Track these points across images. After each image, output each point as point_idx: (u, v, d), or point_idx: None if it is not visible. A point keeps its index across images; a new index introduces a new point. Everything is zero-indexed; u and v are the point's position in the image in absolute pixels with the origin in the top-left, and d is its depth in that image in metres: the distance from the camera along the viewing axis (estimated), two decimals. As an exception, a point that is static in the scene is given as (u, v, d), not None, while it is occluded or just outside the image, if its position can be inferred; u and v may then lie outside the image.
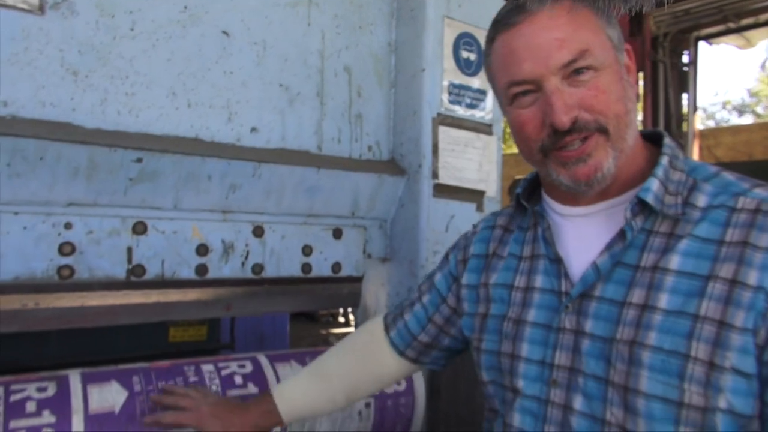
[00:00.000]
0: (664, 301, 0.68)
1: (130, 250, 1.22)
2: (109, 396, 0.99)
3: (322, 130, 1.49)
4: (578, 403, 0.72)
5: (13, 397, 0.93)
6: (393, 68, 1.60)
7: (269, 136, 1.41)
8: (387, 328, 1.05)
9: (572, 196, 0.79)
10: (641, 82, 5.92)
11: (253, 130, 1.39)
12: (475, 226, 1.00)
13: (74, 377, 1.00)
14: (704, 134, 8.68)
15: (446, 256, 1.01)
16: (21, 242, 1.10)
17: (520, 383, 0.79)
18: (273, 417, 1.00)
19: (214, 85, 1.33)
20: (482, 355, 0.86)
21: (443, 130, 1.53)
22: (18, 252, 1.09)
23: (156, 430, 0.99)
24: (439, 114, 1.52)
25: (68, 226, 1.15)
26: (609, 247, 0.74)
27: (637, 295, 0.70)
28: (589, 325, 0.73)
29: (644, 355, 0.67)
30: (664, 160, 0.75)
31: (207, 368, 1.12)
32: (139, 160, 1.20)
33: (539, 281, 0.81)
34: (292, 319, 3.89)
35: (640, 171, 0.77)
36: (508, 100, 0.77)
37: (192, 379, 1.08)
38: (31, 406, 0.93)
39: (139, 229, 1.22)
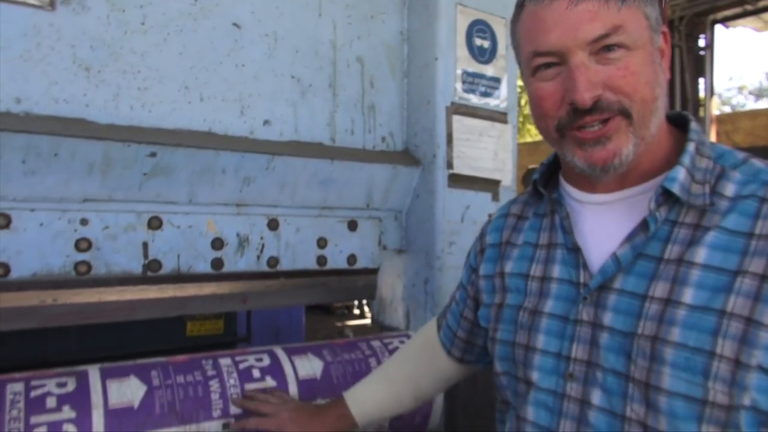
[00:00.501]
0: (689, 296, 0.65)
1: (146, 245, 1.22)
2: (128, 391, 1.00)
3: (335, 121, 1.48)
4: (596, 398, 0.70)
5: (34, 393, 0.93)
6: (406, 57, 1.58)
7: (282, 128, 1.40)
8: (438, 328, 1.06)
9: (591, 183, 0.76)
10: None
11: (266, 122, 1.38)
12: (490, 217, 0.98)
13: (93, 372, 1.00)
14: (722, 119, 8.53)
15: (469, 252, 1.01)
16: (38, 239, 1.10)
17: (535, 375, 0.77)
18: (348, 420, 1.03)
19: (226, 78, 1.32)
20: (496, 345, 0.84)
21: (457, 120, 1.51)
22: (35, 248, 1.10)
23: (179, 423, 1.00)
24: (453, 103, 1.50)
25: (84, 222, 1.15)
26: (630, 238, 0.71)
27: (660, 289, 0.67)
28: (608, 319, 0.70)
29: (667, 351, 0.65)
30: (691, 147, 0.71)
31: (224, 362, 1.12)
32: (153, 155, 1.20)
33: (557, 271, 0.78)
34: (307, 312, 3.90)
35: (665, 157, 0.73)
36: (530, 70, 0.73)
37: (210, 373, 1.08)
38: (51, 402, 0.93)
39: (155, 224, 1.22)
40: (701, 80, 6.30)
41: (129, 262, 1.19)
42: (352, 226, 1.48)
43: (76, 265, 1.13)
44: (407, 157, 1.55)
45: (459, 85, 1.51)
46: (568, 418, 0.72)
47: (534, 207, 0.87)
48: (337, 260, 1.46)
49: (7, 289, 1.10)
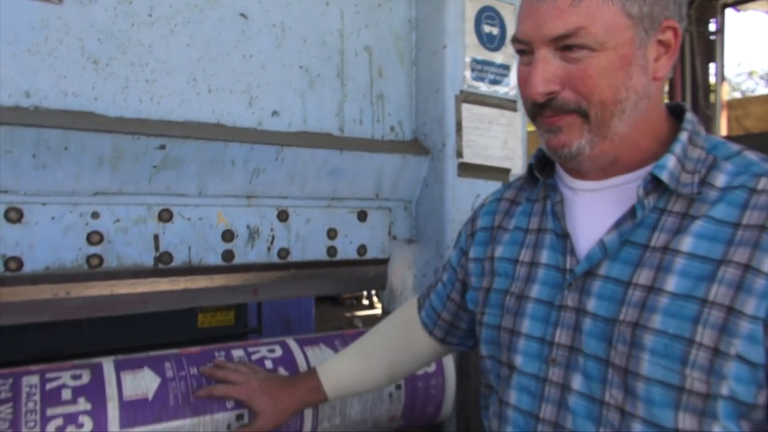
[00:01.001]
0: (672, 283, 0.65)
1: (156, 237, 1.22)
2: (143, 383, 1.00)
3: (344, 111, 1.47)
4: (577, 383, 0.71)
5: (49, 385, 0.94)
6: (414, 46, 1.57)
7: (290, 119, 1.40)
8: (420, 308, 1.05)
9: (581, 170, 0.77)
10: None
11: (275, 113, 1.38)
12: (484, 200, 0.98)
13: (108, 365, 1.01)
14: (732, 105, 8.43)
15: (459, 234, 1.01)
16: (50, 232, 1.11)
17: (518, 360, 0.77)
18: (318, 393, 1.02)
19: (234, 69, 1.31)
20: (483, 329, 0.85)
21: (467, 108, 1.50)
22: (47, 242, 1.10)
23: (193, 414, 1.00)
24: (462, 91, 1.49)
25: (95, 215, 1.15)
26: (618, 224, 0.71)
27: (644, 276, 0.67)
28: (591, 305, 0.71)
29: (646, 338, 0.65)
30: (683, 136, 0.71)
31: (237, 353, 1.12)
32: (163, 147, 1.20)
33: (544, 256, 0.78)
34: (316, 303, 3.91)
35: (658, 146, 0.73)
36: (515, 52, 0.76)
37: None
38: (66, 394, 0.94)
39: (165, 216, 1.22)
40: (712, 65, 6.22)
41: (140, 255, 1.20)
42: (362, 216, 1.48)
43: (88, 258, 1.14)
44: (416, 146, 1.54)
45: (468, 73, 1.50)
46: (549, 403, 0.73)
47: (528, 192, 0.87)
48: (347, 251, 1.46)
49: (20, 282, 1.10)
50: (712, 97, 6.18)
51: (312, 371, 1.05)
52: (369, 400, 1.19)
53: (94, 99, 1.17)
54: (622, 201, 0.72)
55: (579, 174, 0.77)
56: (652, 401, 0.65)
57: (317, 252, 1.42)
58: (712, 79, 6.26)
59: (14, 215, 1.07)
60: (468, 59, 1.50)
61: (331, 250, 1.43)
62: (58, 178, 1.12)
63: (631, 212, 0.70)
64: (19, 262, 1.07)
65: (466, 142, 1.49)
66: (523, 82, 0.73)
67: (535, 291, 0.77)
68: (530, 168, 0.84)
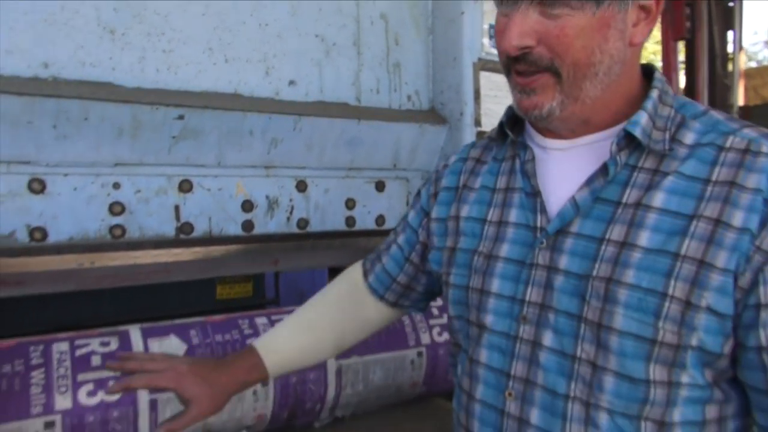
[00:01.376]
0: (644, 239, 0.66)
1: (177, 208, 1.22)
2: (169, 349, 1.02)
3: (360, 80, 1.46)
4: (548, 339, 0.71)
5: (79, 352, 0.96)
6: (430, 13, 1.54)
7: (307, 88, 1.39)
8: (365, 274, 1.01)
9: (551, 129, 0.76)
10: (686, 23, 5.61)
11: (291, 83, 1.37)
12: (447, 159, 0.95)
13: (134, 332, 1.02)
14: (750, 74, 8.25)
15: (418, 193, 0.98)
16: (73, 203, 1.12)
17: (489, 319, 0.77)
18: (260, 371, 0.92)
19: (250, 38, 1.30)
20: (450, 289, 0.84)
21: (485, 76, 1.48)
22: (71, 213, 1.11)
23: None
24: (479, 59, 1.47)
25: (117, 186, 1.16)
26: (589, 182, 0.71)
27: (616, 232, 0.68)
28: (563, 262, 0.71)
29: (620, 292, 0.66)
30: (654, 94, 0.71)
31: (260, 321, 1.14)
32: (181, 117, 1.19)
33: (513, 215, 0.78)
34: (330, 275, 3.93)
35: (629, 107, 0.72)
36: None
37: (247, 331, 1.10)
38: (96, 360, 0.96)
39: (185, 187, 1.23)
40: (730, 33, 6.07)
41: (161, 225, 1.20)
42: (380, 186, 1.48)
43: (111, 228, 1.15)
44: (434, 115, 1.52)
45: (486, 40, 1.47)
46: (520, 360, 0.73)
47: (493, 151, 0.86)
48: (365, 221, 1.46)
49: (45, 253, 1.11)
50: (729, 65, 6.04)
51: (250, 348, 0.94)
52: (391, 366, 1.21)
53: (111, 69, 1.17)
54: (592, 159, 0.72)
55: (549, 133, 0.77)
56: (624, 354, 0.66)
57: (336, 222, 1.42)
58: (729, 48, 6.12)
59: (37, 186, 1.08)
60: (486, 26, 1.47)
61: (350, 221, 1.43)
62: (79, 149, 1.12)
63: (603, 170, 0.70)
64: (44, 233, 1.08)
65: (484, 111, 1.47)
66: (500, 33, 0.71)
67: (505, 250, 0.77)
68: (501, 126, 0.82)
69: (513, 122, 0.82)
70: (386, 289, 0.99)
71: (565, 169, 0.75)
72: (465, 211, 0.84)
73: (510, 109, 0.81)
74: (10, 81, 1.08)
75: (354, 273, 1.04)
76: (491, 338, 0.76)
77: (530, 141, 0.80)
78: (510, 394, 0.73)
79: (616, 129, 0.71)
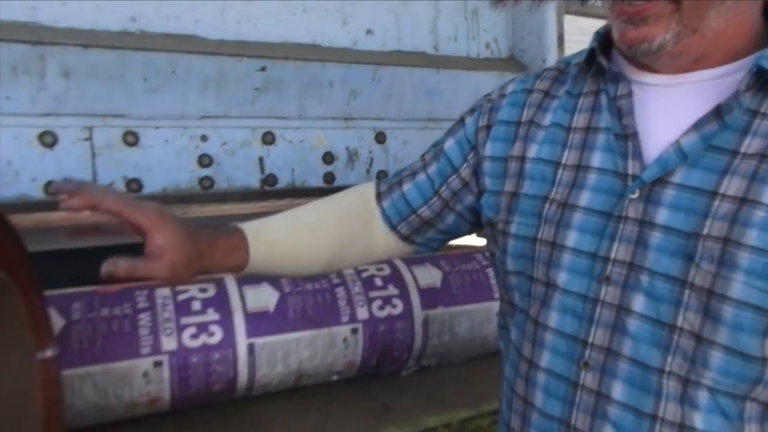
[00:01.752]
0: None
1: (261, 160, 1.23)
2: (263, 296, 1.03)
3: (438, 28, 1.41)
4: (638, 304, 0.61)
5: (180, 297, 0.98)
6: (508, -45, 1.47)
7: (384, 38, 1.35)
8: (379, 197, 0.86)
9: (654, 65, 0.65)
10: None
11: (369, 32, 1.34)
12: (502, 88, 0.81)
13: (230, 280, 1.04)
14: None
15: (461, 120, 0.83)
16: (164, 155, 1.14)
17: (561, 277, 0.67)
18: (240, 257, 0.76)
19: (326, -14, 1.28)
20: (510, 239, 0.72)
21: (569, 20, 1.40)
22: (163, 165, 1.13)
23: (312, 327, 1.02)
24: (564, 2, 1.39)
25: (204, 138, 1.17)
26: (698, 125, 0.60)
27: (734, 186, 0.58)
28: (662, 217, 0.61)
29: (741, 255, 0.56)
30: None
31: (348, 272, 1.14)
32: (263, 69, 1.19)
33: (597, 159, 0.66)
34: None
35: (752, 42, 0.62)
36: None
37: (335, 281, 1.11)
38: (196, 305, 0.98)
39: (269, 139, 1.23)
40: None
41: (247, 177, 1.21)
42: (458, 138, 1.44)
43: (200, 180, 1.17)
44: (514, 63, 1.47)
45: (569, -19, 1.40)
46: (600, 326, 0.64)
47: (567, 85, 0.73)
48: (444, 173, 1.43)
49: (140, 204, 1.14)
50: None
51: (236, 229, 0.78)
52: (477, 318, 1.19)
53: (194, 21, 1.17)
54: (701, 99, 0.62)
55: (646, 67, 0.66)
56: (739, 327, 0.57)
57: (415, 175, 1.40)
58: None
59: (131, 139, 1.10)
60: (569, -34, 1.39)
61: (429, 173, 1.41)
62: (168, 102, 1.14)
63: (715, 112, 0.60)
64: (139, 184, 1.11)
65: (568, 56, 1.40)
66: None
67: (585, 199, 0.66)
68: (591, 53, 0.69)
69: (600, 52, 0.70)
70: (402, 220, 0.84)
71: (665, 109, 0.64)
72: (532, 151, 0.73)
73: (599, 35, 0.70)
74: (102, 35, 1.09)
75: (367, 190, 0.88)
76: (563, 299, 0.67)
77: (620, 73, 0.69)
78: (586, 364, 0.64)
79: (734, 66, 0.62)
